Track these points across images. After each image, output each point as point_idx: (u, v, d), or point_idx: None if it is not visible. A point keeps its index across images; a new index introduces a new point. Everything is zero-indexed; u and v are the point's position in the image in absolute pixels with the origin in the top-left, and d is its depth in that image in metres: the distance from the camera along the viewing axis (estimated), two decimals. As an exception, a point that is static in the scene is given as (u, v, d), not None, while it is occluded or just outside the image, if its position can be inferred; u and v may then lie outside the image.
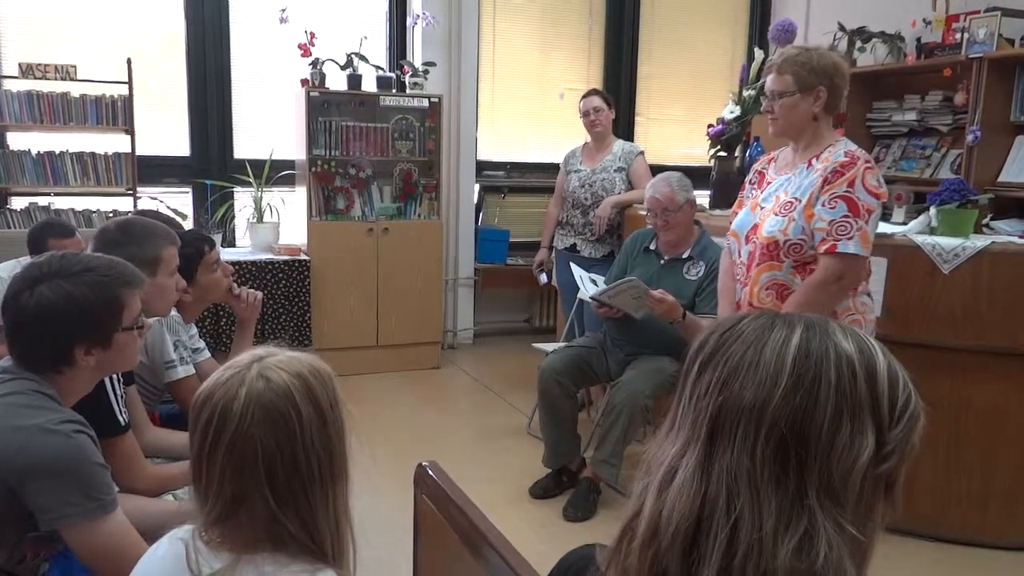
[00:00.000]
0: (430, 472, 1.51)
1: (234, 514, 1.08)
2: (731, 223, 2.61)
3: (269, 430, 1.07)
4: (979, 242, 2.90)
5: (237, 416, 1.06)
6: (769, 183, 2.49)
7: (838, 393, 0.80)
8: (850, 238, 2.23)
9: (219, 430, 1.07)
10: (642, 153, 4.32)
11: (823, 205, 2.25)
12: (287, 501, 1.08)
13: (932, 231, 3.06)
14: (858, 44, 5.05)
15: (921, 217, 3.15)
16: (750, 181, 2.62)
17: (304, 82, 4.91)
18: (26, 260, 3.24)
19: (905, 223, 3.30)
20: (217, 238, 4.87)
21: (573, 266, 3.80)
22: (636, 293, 3.17)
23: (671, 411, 0.87)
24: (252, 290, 2.69)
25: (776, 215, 2.35)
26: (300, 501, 1.09)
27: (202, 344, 2.62)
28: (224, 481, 1.07)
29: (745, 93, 4.19)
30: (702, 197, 4.03)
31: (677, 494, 0.80)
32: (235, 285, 2.64)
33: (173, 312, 2.38)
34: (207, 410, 1.08)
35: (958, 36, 4.58)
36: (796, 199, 2.32)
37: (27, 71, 4.34)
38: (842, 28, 5.07)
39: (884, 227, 3.13)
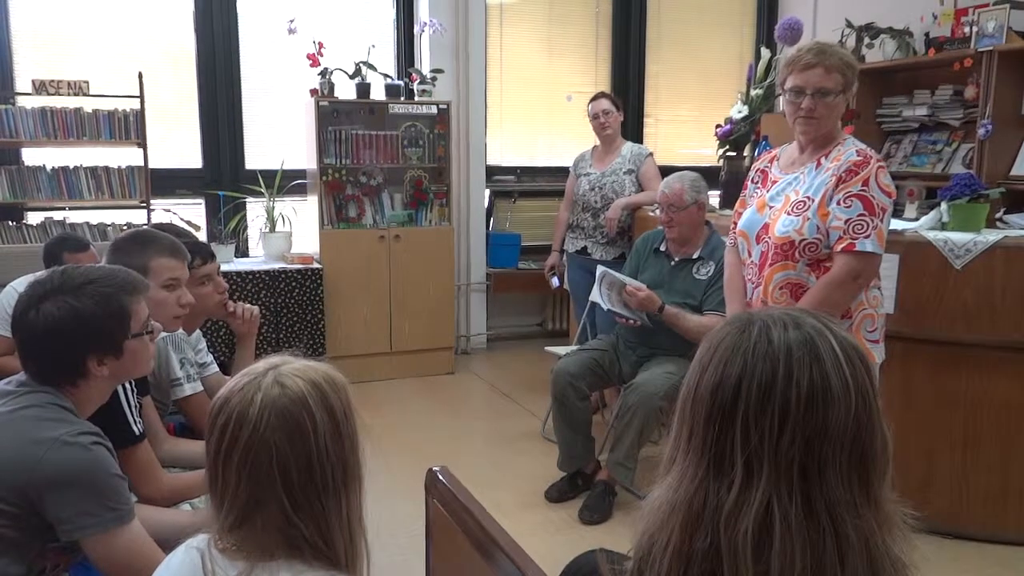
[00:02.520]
0: (440, 477, 1.52)
1: (249, 520, 1.09)
2: (734, 223, 2.61)
3: (284, 435, 1.08)
4: (991, 236, 2.88)
5: (253, 421, 1.08)
6: (775, 182, 2.48)
7: (874, 393, 0.83)
8: (867, 236, 2.23)
9: (235, 435, 1.08)
10: (651, 155, 4.33)
11: (838, 204, 2.25)
12: (302, 506, 1.09)
13: (943, 226, 3.04)
14: (866, 40, 5.04)
15: (932, 212, 3.13)
16: (752, 180, 2.61)
17: (313, 92, 4.94)
18: (42, 274, 3.28)
19: (917, 219, 3.28)
20: (231, 248, 4.91)
21: (600, 267, 3.81)
22: (616, 287, 3.20)
23: (706, 451, 0.85)
24: (248, 305, 2.66)
25: (789, 215, 2.34)
26: (315, 507, 1.10)
27: (209, 359, 2.61)
28: (240, 486, 1.08)
29: (753, 92, 4.19)
30: (711, 197, 4.02)
31: (784, 551, 0.78)
32: (231, 302, 2.59)
33: (183, 334, 2.38)
34: (223, 416, 1.10)
35: (967, 30, 4.56)
36: (809, 198, 2.31)
37: (40, 88, 4.39)
38: (850, 25, 5.05)
39: (895, 223, 3.12)
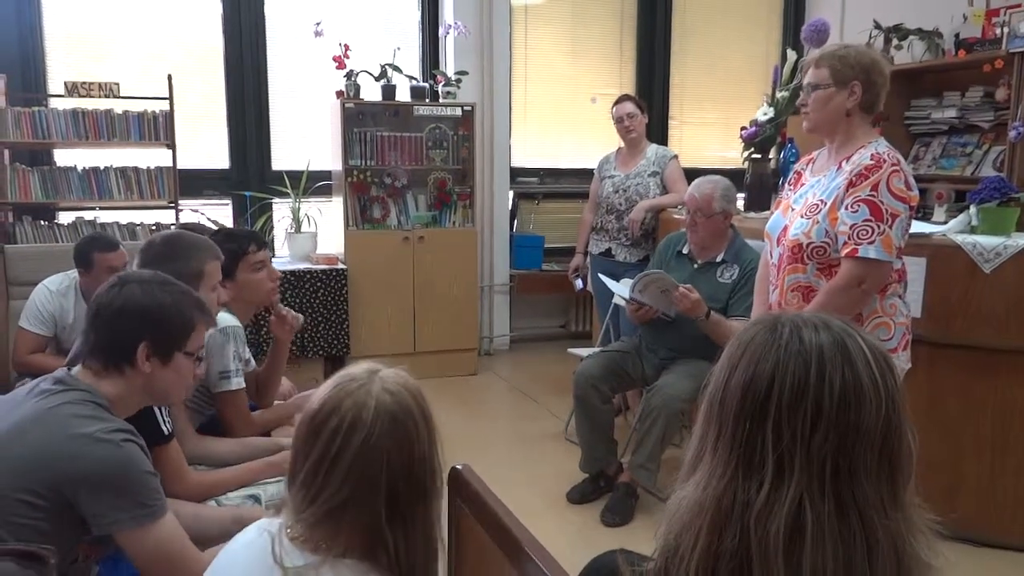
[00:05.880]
0: (464, 475, 1.53)
1: (334, 518, 1.11)
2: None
3: (394, 441, 1.11)
4: (1022, 240, 2.84)
5: (367, 425, 1.11)
6: (803, 184, 2.47)
7: (901, 396, 0.84)
8: (871, 243, 2.18)
9: (347, 438, 1.11)
10: (676, 157, 4.31)
11: (846, 208, 2.22)
12: (396, 513, 1.11)
13: (972, 230, 3.01)
14: (895, 42, 4.99)
15: (961, 216, 3.09)
16: (789, 182, 2.59)
17: (339, 94, 4.98)
18: (73, 273, 3.34)
19: (945, 222, 3.25)
20: (257, 249, 4.95)
21: (601, 277, 3.80)
22: (663, 286, 3.17)
23: (736, 449, 0.85)
24: (296, 313, 2.68)
25: (802, 217, 2.33)
26: (406, 514, 1.12)
27: (249, 354, 2.64)
28: (341, 489, 1.10)
29: (778, 94, 4.16)
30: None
31: (815, 551, 0.79)
32: (281, 306, 2.64)
33: (235, 321, 2.40)
34: (335, 418, 1.12)
35: (998, 31, 4.50)
36: (822, 201, 2.29)
37: (72, 89, 4.46)
38: (878, 26, 5.00)
39: (923, 227, 3.09)
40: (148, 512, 1.51)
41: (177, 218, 4.71)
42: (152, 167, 4.71)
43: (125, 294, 1.62)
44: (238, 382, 2.36)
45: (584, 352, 3.97)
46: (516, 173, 5.84)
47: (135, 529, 1.50)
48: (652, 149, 4.31)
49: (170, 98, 4.60)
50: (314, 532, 1.11)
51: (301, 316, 2.70)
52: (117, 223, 4.71)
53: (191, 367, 1.71)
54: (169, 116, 4.62)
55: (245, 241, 2.50)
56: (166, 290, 1.66)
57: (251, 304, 2.56)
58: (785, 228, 2.39)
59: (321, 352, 4.82)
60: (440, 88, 5.19)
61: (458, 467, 1.57)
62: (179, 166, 4.71)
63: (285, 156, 5.33)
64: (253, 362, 2.63)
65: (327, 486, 1.11)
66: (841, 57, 2.28)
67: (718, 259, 3.33)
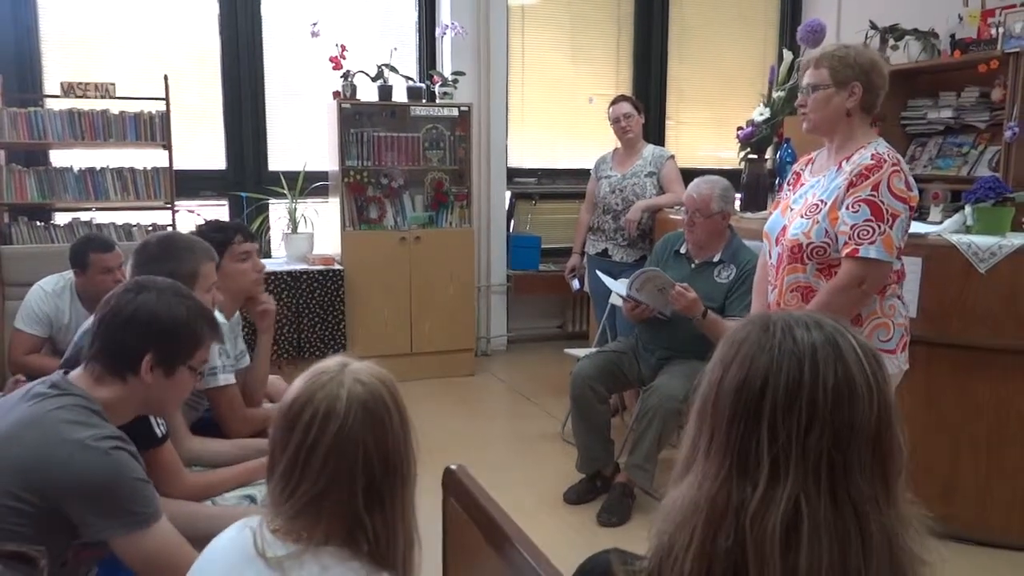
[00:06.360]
0: (458, 475, 1.53)
1: (315, 509, 1.12)
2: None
3: (369, 431, 1.13)
4: (1016, 240, 2.85)
5: (341, 417, 1.12)
6: (803, 184, 2.47)
7: (889, 388, 0.85)
8: (872, 243, 2.18)
9: (322, 430, 1.12)
10: (672, 157, 4.32)
11: (847, 208, 2.21)
12: (373, 500, 1.13)
13: (968, 230, 3.01)
14: (891, 42, 4.99)
15: (956, 216, 3.10)
16: (788, 182, 2.59)
17: (336, 94, 4.98)
18: (68, 274, 3.34)
19: (941, 222, 3.25)
20: (253, 249, 4.94)
21: (599, 274, 3.80)
22: (660, 284, 3.17)
23: (730, 449, 0.85)
24: (268, 296, 2.69)
25: (802, 217, 2.33)
26: (385, 500, 1.15)
27: (244, 346, 2.64)
28: (319, 478, 1.12)
29: (775, 95, 4.17)
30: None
31: (812, 549, 0.79)
32: (265, 294, 2.64)
33: (221, 318, 2.38)
34: (308, 410, 1.14)
35: (994, 31, 4.51)
36: (822, 201, 2.29)
37: (68, 90, 4.45)
38: (874, 26, 5.01)
39: (919, 227, 3.09)
40: (139, 519, 1.50)
41: (173, 219, 4.71)
42: (148, 168, 4.70)
43: (139, 301, 1.60)
44: (225, 378, 2.36)
45: (581, 352, 3.97)
46: (513, 173, 5.84)
47: (126, 536, 1.49)
48: (649, 149, 4.32)
49: (166, 99, 4.60)
50: (295, 523, 1.13)
51: (274, 305, 2.70)
52: (113, 224, 4.70)
53: (191, 382, 1.70)
54: (165, 117, 4.61)
55: (232, 231, 2.51)
56: (181, 302, 1.64)
57: (236, 295, 2.54)
58: (784, 228, 2.39)
59: (318, 353, 4.81)
60: (437, 88, 5.19)
61: (452, 467, 1.57)
62: (175, 167, 4.70)
63: (282, 157, 5.33)
64: (248, 358, 2.63)
65: (305, 478, 1.13)
66: (840, 57, 2.27)
67: (715, 259, 3.33)
